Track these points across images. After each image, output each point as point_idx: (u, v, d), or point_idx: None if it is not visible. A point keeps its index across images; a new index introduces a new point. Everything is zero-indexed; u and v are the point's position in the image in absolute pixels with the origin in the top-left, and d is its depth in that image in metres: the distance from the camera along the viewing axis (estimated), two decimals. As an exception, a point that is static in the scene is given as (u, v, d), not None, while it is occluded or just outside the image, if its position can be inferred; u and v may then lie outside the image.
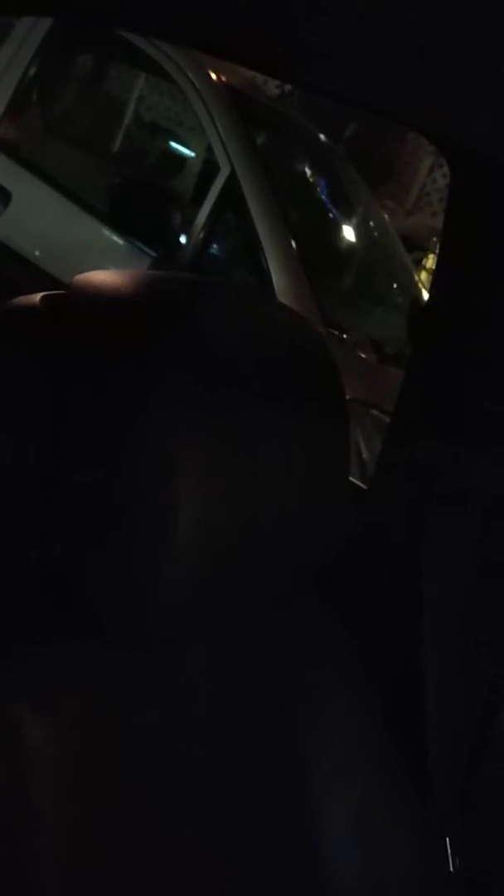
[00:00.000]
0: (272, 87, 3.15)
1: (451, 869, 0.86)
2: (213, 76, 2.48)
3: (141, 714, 0.68)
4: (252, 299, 0.80)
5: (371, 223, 3.05)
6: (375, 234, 3.05)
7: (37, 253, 2.37)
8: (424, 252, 3.40)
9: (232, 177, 2.34)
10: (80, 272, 0.67)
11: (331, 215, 2.93)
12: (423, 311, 0.98)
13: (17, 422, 0.65)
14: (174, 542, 0.60)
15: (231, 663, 0.74)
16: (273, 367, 0.68)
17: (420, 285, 2.99)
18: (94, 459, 0.62)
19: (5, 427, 0.65)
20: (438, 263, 0.99)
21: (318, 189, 2.91)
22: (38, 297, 0.65)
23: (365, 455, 1.87)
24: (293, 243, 2.35)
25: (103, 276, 0.66)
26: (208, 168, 2.52)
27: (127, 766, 0.67)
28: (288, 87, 3.01)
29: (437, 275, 0.99)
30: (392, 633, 0.97)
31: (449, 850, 0.86)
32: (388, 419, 1.17)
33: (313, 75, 0.70)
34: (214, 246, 2.43)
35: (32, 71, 2.61)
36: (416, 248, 3.36)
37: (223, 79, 2.50)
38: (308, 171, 2.91)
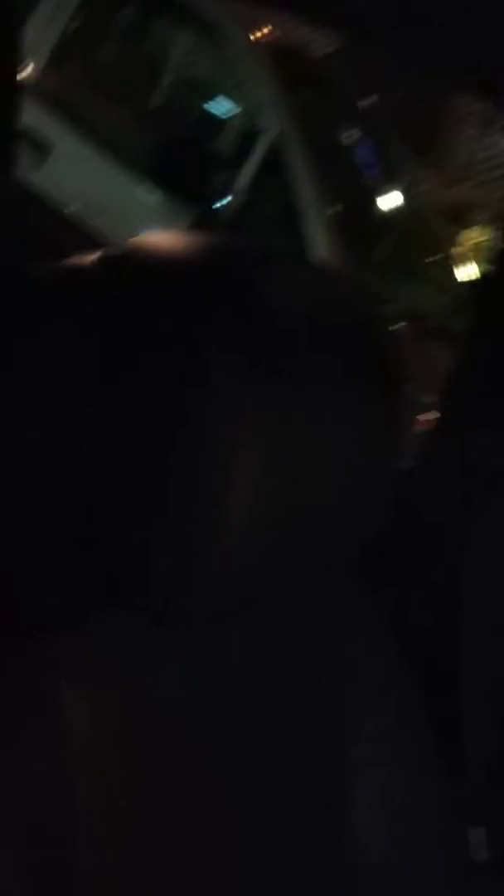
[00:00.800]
0: (318, 47, 3.10)
1: (482, 858, 0.85)
2: (259, 33, 2.43)
3: (180, 692, 0.67)
4: (311, 270, 0.77)
5: (411, 193, 3.00)
6: (415, 204, 3.01)
7: (75, 208, 2.35)
8: (464, 225, 3.35)
9: (274, 138, 2.31)
10: (119, 228, 0.66)
11: (371, 182, 2.89)
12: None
13: (64, 388, 0.63)
14: (225, 518, 0.59)
15: (270, 642, 0.73)
16: (331, 342, 0.66)
17: (456, 260, 2.95)
18: (144, 430, 0.61)
19: (52, 393, 0.64)
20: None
21: (360, 154, 2.86)
22: (89, 257, 0.63)
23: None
24: (333, 210, 2.31)
25: (161, 239, 0.65)
26: (250, 129, 2.48)
27: (164, 743, 0.66)
28: (334, 48, 2.95)
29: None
30: (431, 616, 0.96)
31: (480, 839, 0.85)
32: (421, 396, 1.16)
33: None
34: (253, 208, 2.40)
35: (75, 24, 2.58)
36: (456, 220, 3.32)
37: (269, 36, 2.46)
38: (350, 136, 2.86)
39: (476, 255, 3.09)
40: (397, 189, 2.95)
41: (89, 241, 0.66)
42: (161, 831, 0.65)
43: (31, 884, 0.57)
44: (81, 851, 0.60)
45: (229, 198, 2.31)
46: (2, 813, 0.58)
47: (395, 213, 2.93)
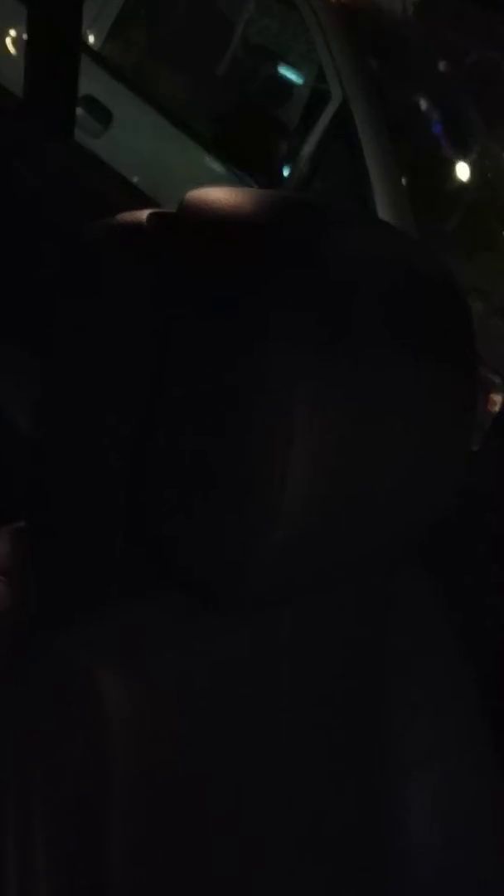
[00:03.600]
0: (390, 8, 3.01)
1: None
2: None
3: (221, 680, 0.64)
4: (380, 229, 0.72)
5: (485, 162, 2.91)
6: (489, 174, 2.91)
7: (136, 178, 2.32)
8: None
9: (343, 106, 2.26)
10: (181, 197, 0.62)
11: (443, 151, 2.81)
12: None
13: (115, 353, 0.60)
14: (282, 498, 0.55)
15: (323, 632, 0.70)
16: (400, 307, 0.61)
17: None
18: (199, 403, 0.57)
19: (103, 357, 0.61)
20: None
21: (433, 121, 2.78)
22: (145, 213, 0.60)
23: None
24: (402, 179, 2.25)
25: (219, 194, 0.61)
26: (318, 96, 2.42)
27: (207, 731, 0.64)
28: (408, 10, 2.86)
29: None
30: (495, 609, 0.92)
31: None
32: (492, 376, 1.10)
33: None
34: (320, 178, 2.34)
35: None
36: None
37: (340, 0, 2.39)
38: (423, 102, 2.78)
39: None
40: (470, 159, 2.86)
41: (146, 203, 0.61)
42: (200, 821, 0.63)
43: (63, 868, 0.56)
44: (115, 834, 0.59)
45: (295, 167, 2.26)
46: (37, 792, 0.56)
47: (468, 183, 2.85)
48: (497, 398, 1.07)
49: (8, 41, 2.59)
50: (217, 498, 0.58)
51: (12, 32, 2.56)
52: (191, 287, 0.58)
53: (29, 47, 1.58)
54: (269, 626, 0.67)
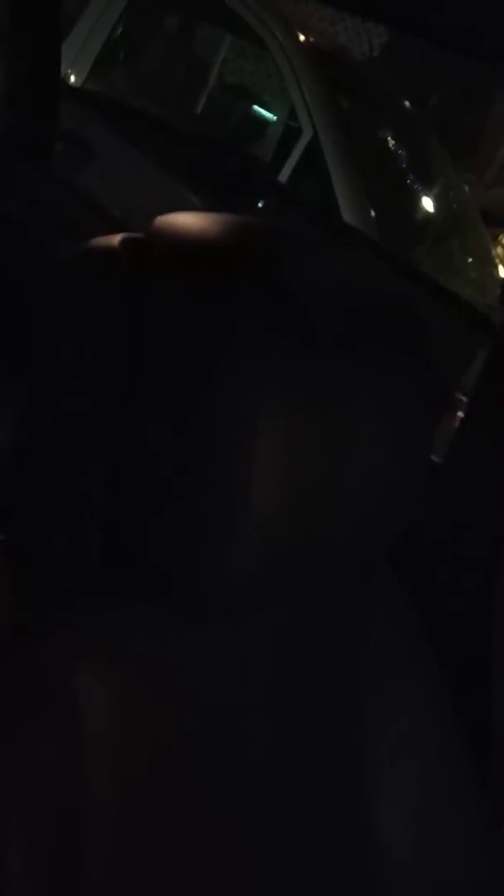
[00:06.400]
0: (357, 51, 3.11)
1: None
2: (301, 37, 2.45)
3: (198, 685, 0.65)
4: (343, 252, 0.77)
5: (450, 195, 3.00)
6: (454, 206, 3.00)
7: (117, 212, 2.38)
8: (503, 227, 3.35)
9: (314, 140, 2.32)
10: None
11: (410, 184, 2.89)
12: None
13: (89, 368, 0.62)
14: (249, 505, 0.57)
15: (296, 638, 0.71)
16: (361, 325, 0.64)
17: (497, 261, 2.94)
18: (168, 413, 0.59)
19: (77, 372, 0.63)
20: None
21: (399, 156, 2.87)
22: (117, 237, 0.63)
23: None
24: (371, 212, 2.32)
25: (187, 218, 0.63)
26: (290, 131, 2.50)
27: (183, 734, 0.64)
28: (374, 51, 2.96)
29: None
30: (464, 614, 0.94)
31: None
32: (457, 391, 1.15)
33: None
34: (293, 211, 2.41)
35: (120, 29, 2.61)
36: (495, 222, 3.31)
37: (310, 39, 2.47)
38: (390, 138, 2.87)
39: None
40: (437, 190, 2.95)
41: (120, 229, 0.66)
42: (176, 824, 0.63)
43: (39, 870, 0.56)
44: (91, 840, 0.58)
45: (268, 199, 2.33)
46: (11, 799, 0.56)
47: (435, 214, 2.93)
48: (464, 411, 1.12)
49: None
50: (186, 507, 0.58)
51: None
52: (161, 306, 0.59)
53: (8, 76, 1.61)
54: (246, 632, 0.68)
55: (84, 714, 0.58)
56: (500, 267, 2.99)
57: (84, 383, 0.62)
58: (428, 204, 2.92)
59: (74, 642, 0.60)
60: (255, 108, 3.03)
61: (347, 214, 2.26)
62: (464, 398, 1.20)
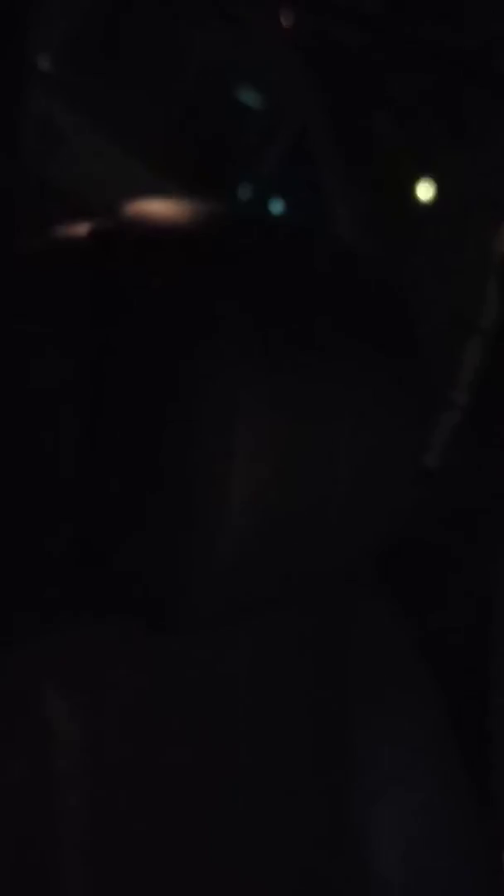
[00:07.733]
0: (350, 35, 3.06)
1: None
2: (287, 21, 2.40)
3: (174, 703, 0.64)
4: (325, 243, 0.76)
5: (448, 182, 2.95)
6: (452, 193, 2.95)
7: (93, 199, 2.33)
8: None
9: (301, 128, 2.28)
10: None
11: (407, 175, 2.85)
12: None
13: (56, 365, 0.61)
14: (225, 512, 0.55)
15: (278, 653, 0.69)
16: (346, 320, 0.62)
17: (496, 251, 2.89)
18: (140, 415, 0.57)
19: (44, 369, 0.61)
20: None
21: (392, 143, 2.82)
22: (85, 224, 0.61)
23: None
24: (362, 205, 2.27)
25: (159, 206, 0.62)
26: (277, 118, 2.46)
27: (155, 755, 0.62)
28: (366, 36, 2.92)
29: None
30: (459, 627, 0.91)
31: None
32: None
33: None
34: (280, 199, 2.37)
35: (94, 11, 2.57)
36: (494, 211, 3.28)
37: (297, 25, 2.41)
38: (383, 124, 2.82)
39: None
40: (433, 178, 2.90)
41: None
42: (154, 844, 0.62)
43: (15, 885, 0.56)
44: (68, 856, 0.58)
45: (254, 188, 2.29)
46: None
47: (432, 202, 2.88)
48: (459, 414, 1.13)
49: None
50: (161, 514, 0.57)
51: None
52: (131, 296, 0.58)
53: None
54: (226, 645, 0.66)
55: (53, 729, 0.58)
56: (499, 258, 2.94)
57: (51, 380, 0.61)
58: (424, 192, 2.87)
59: (44, 656, 0.60)
60: (240, 93, 2.98)
61: (336, 201, 2.22)
62: (460, 399, 1.18)
